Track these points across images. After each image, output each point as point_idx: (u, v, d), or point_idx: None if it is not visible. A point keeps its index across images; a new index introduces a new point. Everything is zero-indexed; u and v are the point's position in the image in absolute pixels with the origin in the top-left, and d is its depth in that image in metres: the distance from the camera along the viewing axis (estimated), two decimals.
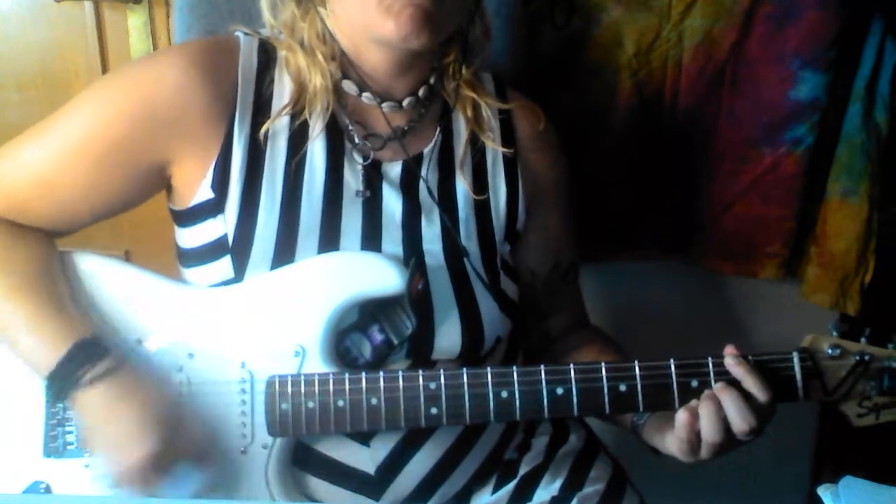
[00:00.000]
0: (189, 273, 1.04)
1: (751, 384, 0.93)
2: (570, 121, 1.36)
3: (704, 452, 0.94)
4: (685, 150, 1.44)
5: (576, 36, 1.39)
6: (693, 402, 0.94)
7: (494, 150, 1.10)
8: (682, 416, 0.93)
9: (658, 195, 1.47)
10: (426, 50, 0.98)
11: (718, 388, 0.93)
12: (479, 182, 1.09)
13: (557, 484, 1.09)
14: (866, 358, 0.96)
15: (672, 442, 0.96)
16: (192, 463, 0.92)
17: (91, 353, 0.91)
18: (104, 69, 1.51)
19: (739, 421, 0.91)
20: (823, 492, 0.86)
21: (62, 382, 0.91)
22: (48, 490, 0.96)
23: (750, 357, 0.95)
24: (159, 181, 1.02)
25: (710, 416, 0.92)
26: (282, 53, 1.03)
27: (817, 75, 1.36)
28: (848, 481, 0.86)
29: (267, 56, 1.03)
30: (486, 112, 1.10)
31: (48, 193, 0.99)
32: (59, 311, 0.95)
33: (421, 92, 1.06)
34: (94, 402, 0.91)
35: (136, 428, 0.89)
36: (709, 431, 0.92)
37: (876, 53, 1.36)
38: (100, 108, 0.99)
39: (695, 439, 0.93)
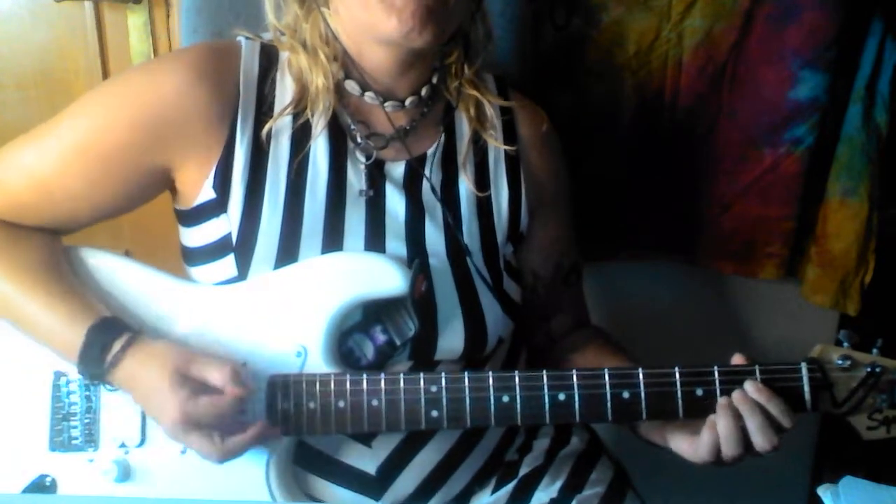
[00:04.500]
0: (194, 272, 1.04)
1: (773, 408, 0.92)
2: (571, 121, 1.37)
3: (726, 462, 0.95)
4: (685, 150, 1.44)
5: (576, 36, 1.39)
6: (712, 418, 0.93)
7: (497, 152, 1.10)
8: (706, 437, 0.93)
9: (658, 195, 1.47)
10: (429, 47, 0.97)
11: (737, 399, 0.93)
12: (482, 183, 1.09)
13: (557, 486, 1.10)
14: (877, 370, 0.94)
15: (689, 452, 0.96)
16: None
17: (105, 335, 0.93)
18: (104, 69, 1.50)
19: (762, 440, 0.92)
20: (823, 492, 0.86)
21: (92, 369, 0.93)
22: (54, 483, 0.97)
23: (757, 366, 0.94)
24: (161, 184, 1.02)
25: (729, 429, 0.92)
26: (284, 55, 1.03)
27: (817, 75, 1.36)
28: (848, 481, 0.86)
29: (269, 59, 1.03)
30: (489, 111, 1.10)
31: (47, 197, 1.00)
32: (70, 299, 0.96)
33: (423, 91, 1.06)
34: (125, 378, 0.93)
35: (162, 391, 0.90)
36: (728, 447, 0.92)
37: (876, 53, 1.36)
38: (101, 114, 0.99)
39: (719, 456, 0.94)
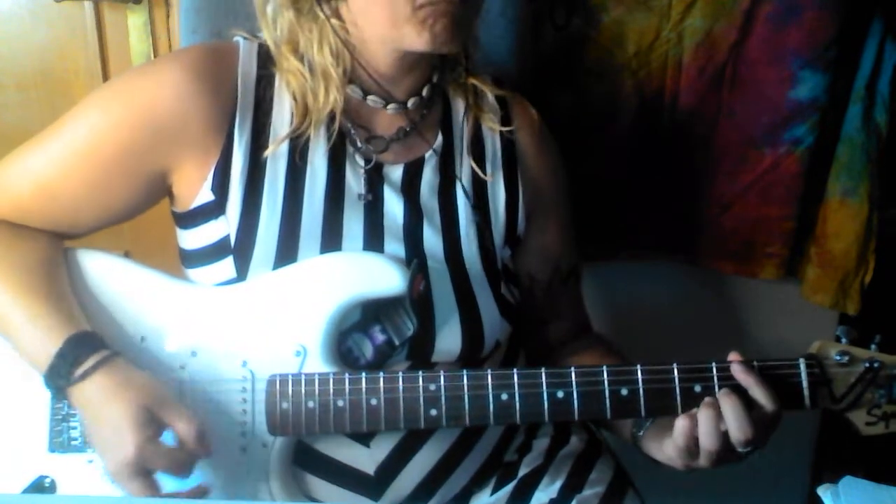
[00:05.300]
0: (192, 274, 1.04)
1: (758, 393, 0.92)
2: (570, 121, 1.37)
3: (703, 460, 0.94)
4: (685, 150, 1.44)
5: (576, 36, 1.39)
6: (694, 410, 0.93)
7: (494, 154, 1.11)
8: (681, 422, 0.93)
9: (658, 195, 1.47)
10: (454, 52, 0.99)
11: (721, 393, 0.92)
12: (479, 185, 1.09)
13: (556, 486, 1.09)
14: (876, 365, 0.94)
15: (670, 448, 0.96)
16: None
17: (82, 348, 0.91)
18: (104, 69, 1.51)
19: (736, 431, 0.90)
20: (823, 492, 0.86)
21: (57, 379, 0.91)
22: (53, 484, 0.97)
23: (755, 363, 0.94)
24: (161, 188, 1.02)
25: (709, 422, 0.91)
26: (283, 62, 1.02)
27: (817, 75, 1.36)
28: (848, 481, 0.85)
29: (266, 60, 1.03)
30: (489, 98, 1.11)
31: (50, 201, 1.00)
32: (56, 308, 0.95)
33: (424, 91, 1.06)
34: (86, 397, 0.90)
35: (125, 424, 0.87)
36: (707, 439, 0.92)
37: (876, 53, 1.36)
38: (101, 118, 0.99)
39: (693, 446, 0.93)
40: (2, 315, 0.96)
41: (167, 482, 0.89)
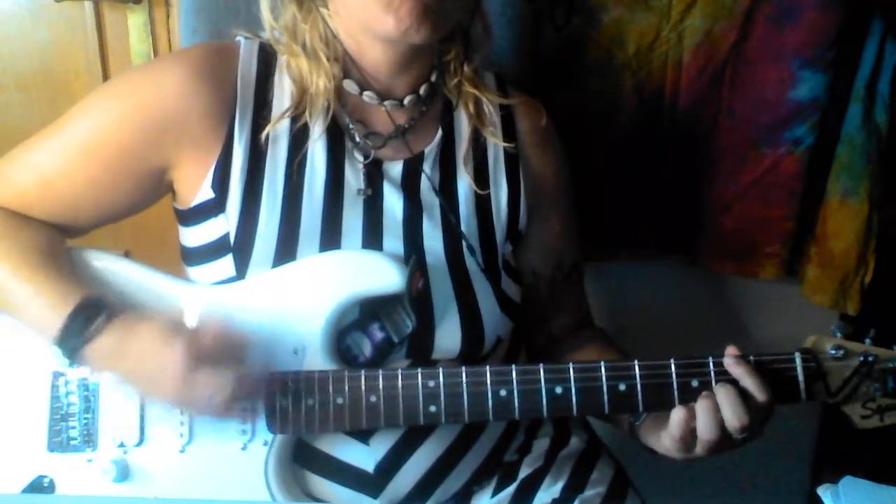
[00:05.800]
0: (192, 271, 1.04)
1: (749, 383, 0.93)
2: (571, 120, 1.36)
3: (699, 449, 0.95)
4: (685, 150, 1.44)
5: (576, 36, 1.39)
6: (691, 403, 0.94)
7: (496, 150, 1.10)
8: (677, 413, 0.93)
9: (658, 195, 1.47)
10: (427, 44, 0.98)
11: (717, 385, 0.93)
12: (481, 181, 1.09)
13: (558, 486, 1.09)
14: (870, 359, 0.96)
15: (667, 440, 0.96)
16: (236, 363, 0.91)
17: (93, 308, 0.92)
18: (104, 69, 1.51)
19: (732, 417, 0.91)
20: (823, 492, 0.86)
21: (73, 341, 0.91)
22: (52, 484, 0.97)
23: (751, 357, 0.95)
24: (161, 185, 1.02)
25: (707, 413, 0.92)
26: (283, 56, 1.03)
27: (817, 75, 1.36)
28: (848, 481, 0.86)
29: (267, 58, 1.04)
30: (488, 108, 1.10)
31: (52, 197, 1.01)
32: (62, 278, 0.95)
33: (422, 90, 1.06)
34: (108, 350, 0.91)
35: (159, 336, 0.89)
36: (705, 429, 0.92)
37: (876, 53, 1.36)
38: (103, 115, 1.00)
39: (689, 437, 0.94)
40: (8, 291, 0.96)
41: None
